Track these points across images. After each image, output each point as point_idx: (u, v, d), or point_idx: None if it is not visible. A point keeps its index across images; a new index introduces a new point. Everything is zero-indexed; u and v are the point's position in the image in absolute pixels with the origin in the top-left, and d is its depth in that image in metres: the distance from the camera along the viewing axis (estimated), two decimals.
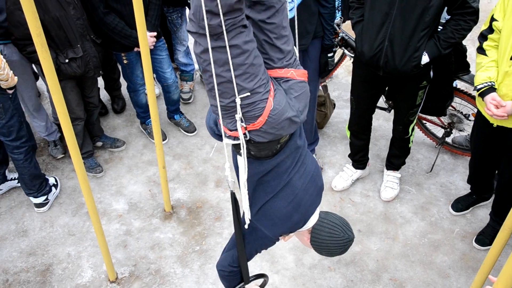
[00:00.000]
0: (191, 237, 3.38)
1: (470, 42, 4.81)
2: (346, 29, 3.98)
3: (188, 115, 4.38)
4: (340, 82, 4.85)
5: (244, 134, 1.58)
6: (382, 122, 4.33)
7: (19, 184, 3.65)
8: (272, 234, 1.93)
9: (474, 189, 3.47)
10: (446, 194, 3.68)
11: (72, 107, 3.54)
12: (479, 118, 2.99)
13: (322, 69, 3.47)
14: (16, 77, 3.03)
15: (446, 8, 2.82)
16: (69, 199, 3.66)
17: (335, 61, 4.13)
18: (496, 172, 3.28)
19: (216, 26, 1.37)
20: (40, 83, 4.39)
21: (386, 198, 3.63)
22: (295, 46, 1.72)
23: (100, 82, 4.14)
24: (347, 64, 4.82)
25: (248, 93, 1.51)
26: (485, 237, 3.29)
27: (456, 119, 3.72)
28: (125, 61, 3.72)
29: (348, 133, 3.66)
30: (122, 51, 3.64)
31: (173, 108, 4.22)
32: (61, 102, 2.24)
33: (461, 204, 3.53)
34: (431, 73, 3.12)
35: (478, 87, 2.74)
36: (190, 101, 4.58)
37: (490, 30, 2.72)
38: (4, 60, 2.86)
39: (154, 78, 3.98)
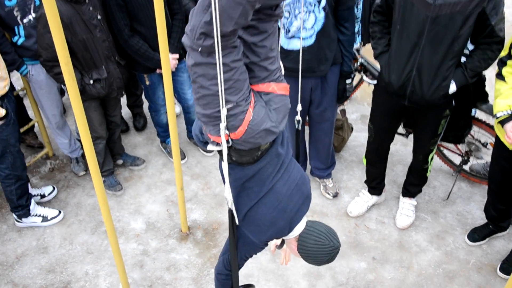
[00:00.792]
0: (207, 259, 3.42)
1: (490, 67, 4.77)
2: (366, 53, 4.00)
3: None
4: (358, 104, 4.87)
5: (227, 140, 1.68)
6: (400, 147, 4.33)
7: (43, 200, 3.78)
8: (258, 240, 1.98)
9: (491, 217, 3.43)
10: (462, 223, 3.66)
11: (95, 126, 3.64)
12: (499, 145, 2.98)
13: (340, 95, 3.50)
14: (3, 110, 3.10)
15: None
16: (89, 216, 3.74)
17: (354, 85, 4.16)
18: None
19: (209, 46, 1.46)
20: (66, 97, 4.52)
21: (402, 226, 3.62)
22: (280, 62, 1.80)
23: (123, 99, 4.22)
24: (366, 87, 4.83)
25: (234, 104, 1.60)
26: (510, 265, 3.25)
27: (473, 147, 3.70)
28: (147, 82, 3.79)
29: (364, 161, 3.67)
30: (144, 72, 3.72)
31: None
32: (85, 126, 2.31)
33: (477, 235, 3.50)
34: (453, 102, 3.12)
35: (498, 114, 2.72)
36: None
37: (510, 56, 2.73)
38: None
39: (174, 97, 4.06)
